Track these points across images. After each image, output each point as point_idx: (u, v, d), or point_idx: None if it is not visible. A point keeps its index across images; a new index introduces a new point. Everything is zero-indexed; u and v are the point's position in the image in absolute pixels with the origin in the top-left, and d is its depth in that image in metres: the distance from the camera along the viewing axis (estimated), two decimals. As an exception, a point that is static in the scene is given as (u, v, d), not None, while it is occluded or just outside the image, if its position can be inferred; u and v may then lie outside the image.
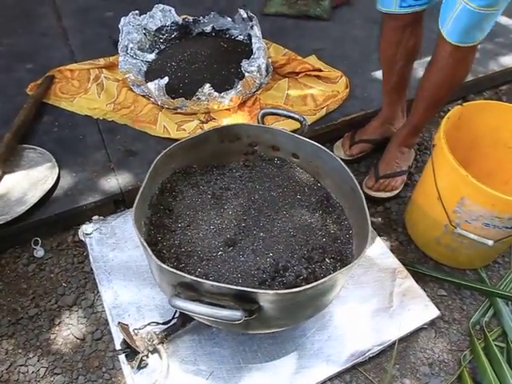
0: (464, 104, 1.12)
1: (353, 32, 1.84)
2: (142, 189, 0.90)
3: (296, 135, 1.03)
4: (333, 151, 1.43)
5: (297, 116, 1.05)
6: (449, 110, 1.11)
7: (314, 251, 0.91)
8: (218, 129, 1.04)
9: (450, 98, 1.26)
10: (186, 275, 0.73)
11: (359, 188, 0.92)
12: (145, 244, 0.79)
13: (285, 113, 1.07)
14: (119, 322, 0.94)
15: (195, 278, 0.73)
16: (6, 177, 1.27)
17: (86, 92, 1.52)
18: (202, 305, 0.71)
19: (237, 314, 0.70)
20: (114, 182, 1.27)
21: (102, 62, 1.63)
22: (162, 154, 0.97)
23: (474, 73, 1.70)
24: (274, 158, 1.10)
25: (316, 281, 0.74)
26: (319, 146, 1.01)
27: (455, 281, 1.15)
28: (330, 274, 0.86)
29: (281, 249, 0.90)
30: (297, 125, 1.05)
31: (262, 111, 1.07)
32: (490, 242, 1.02)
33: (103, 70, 1.59)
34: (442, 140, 1.03)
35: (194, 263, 0.88)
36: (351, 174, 0.95)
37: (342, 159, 0.98)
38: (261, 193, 1.01)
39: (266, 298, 0.74)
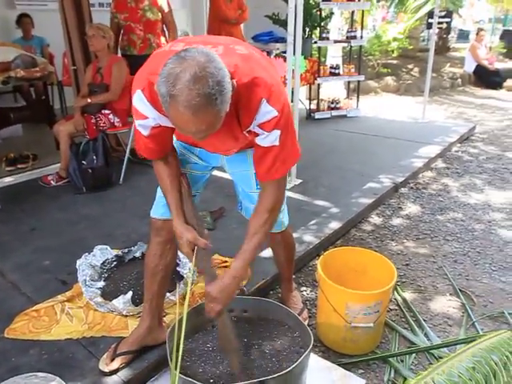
0: (325, 253, 1.93)
1: (234, 233, 2.65)
2: (168, 352, 1.37)
3: (244, 297, 1.66)
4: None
5: (240, 286, 1.69)
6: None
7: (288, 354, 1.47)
8: (193, 308, 1.60)
9: (293, 256, 2.02)
10: None
11: (292, 311, 1.56)
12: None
13: (231, 286, 1.70)
14: None
15: None
16: (21, 404, 1.52)
17: (58, 322, 1.90)
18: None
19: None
20: (116, 378, 1.63)
21: (60, 297, 2.05)
22: (168, 330, 1.47)
23: (318, 236, 2.63)
24: (232, 316, 1.66)
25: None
26: (260, 298, 1.65)
27: (365, 359, 1.78)
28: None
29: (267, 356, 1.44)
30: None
31: (217, 289, 1.67)
32: (371, 324, 1.72)
33: (65, 303, 2.01)
34: (322, 275, 1.77)
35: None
36: (285, 307, 1.59)
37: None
38: (238, 332, 1.55)
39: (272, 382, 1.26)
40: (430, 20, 5.94)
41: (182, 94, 1.03)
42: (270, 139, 1.31)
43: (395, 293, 2.22)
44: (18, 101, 5.12)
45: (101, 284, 2.10)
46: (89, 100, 3.40)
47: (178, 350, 0.79)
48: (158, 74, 1.09)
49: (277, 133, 1.30)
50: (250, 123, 1.28)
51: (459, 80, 8.71)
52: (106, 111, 3.48)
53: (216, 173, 1.77)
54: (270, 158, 1.35)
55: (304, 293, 2.28)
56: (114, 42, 3.62)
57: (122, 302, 1.89)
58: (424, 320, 2.03)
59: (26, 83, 4.10)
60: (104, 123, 3.45)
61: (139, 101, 1.28)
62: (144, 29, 3.77)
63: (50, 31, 4.81)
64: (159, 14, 3.82)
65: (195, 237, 1.39)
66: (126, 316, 1.92)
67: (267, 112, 1.25)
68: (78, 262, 2.10)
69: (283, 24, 5.49)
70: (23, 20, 5.16)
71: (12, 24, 5.24)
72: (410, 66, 8.99)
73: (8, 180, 3.54)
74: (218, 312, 1.39)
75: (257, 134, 1.32)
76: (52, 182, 3.42)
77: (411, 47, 9.36)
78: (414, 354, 1.81)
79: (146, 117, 1.30)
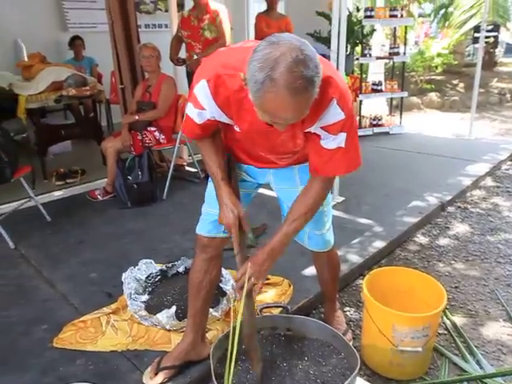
0: (370, 273, 1.88)
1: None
2: (212, 368, 1.36)
3: (288, 315, 1.63)
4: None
5: (283, 304, 1.67)
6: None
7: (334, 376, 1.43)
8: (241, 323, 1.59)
9: (338, 275, 1.98)
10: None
11: (338, 333, 1.52)
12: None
13: (274, 304, 1.69)
14: None
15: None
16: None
17: (104, 334, 1.94)
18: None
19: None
20: (160, 388, 1.65)
21: (106, 309, 2.09)
22: (214, 343, 1.47)
23: (362, 255, 2.57)
24: (275, 334, 1.64)
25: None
26: (304, 317, 1.62)
27: (413, 385, 1.70)
28: None
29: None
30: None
31: (260, 306, 1.66)
32: (420, 349, 1.65)
33: (111, 315, 2.05)
34: (368, 295, 1.72)
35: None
36: (330, 327, 1.55)
37: None
38: (282, 351, 1.53)
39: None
40: (476, 34, 5.80)
41: (284, 78, 1.02)
42: (337, 141, 1.32)
43: (444, 317, 2.12)
44: (68, 118, 5.38)
45: (145, 298, 2.13)
46: (136, 117, 3.52)
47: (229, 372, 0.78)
48: (248, 62, 1.08)
49: (343, 135, 1.31)
50: (315, 122, 1.28)
51: (508, 95, 8.40)
52: (152, 128, 3.59)
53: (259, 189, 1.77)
54: (338, 157, 1.35)
55: (347, 313, 2.22)
56: (172, 54, 3.90)
57: (165, 316, 1.90)
58: (476, 346, 1.93)
59: (77, 101, 4.29)
60: (150, 140, 3.55)
61: (201, 90, 1.29)
62: (202, 48, 3.81)
63: (99, 51, 5.06)
64: (218, 32, 3.78)
65: (243, 216, 1.42)
66: (170, 330, 1.94)
67: (335, 114, 1.25)
68: (124, 275, 2.14)
69: (325, 41, 5.51)
70: (75, 42, 5.43)
71: (64, 46, 5.53)
72: (455, 82, 8.76)
73: (57, 194, 3.70)
74: (254, 283, 1.44)
75: (319, 137, 1.32)
76: (99, 196, 3.53)
77: (456, 62, 9.14)
78: (465, 383, 1.72)
79: (203, 108, 1.32)
